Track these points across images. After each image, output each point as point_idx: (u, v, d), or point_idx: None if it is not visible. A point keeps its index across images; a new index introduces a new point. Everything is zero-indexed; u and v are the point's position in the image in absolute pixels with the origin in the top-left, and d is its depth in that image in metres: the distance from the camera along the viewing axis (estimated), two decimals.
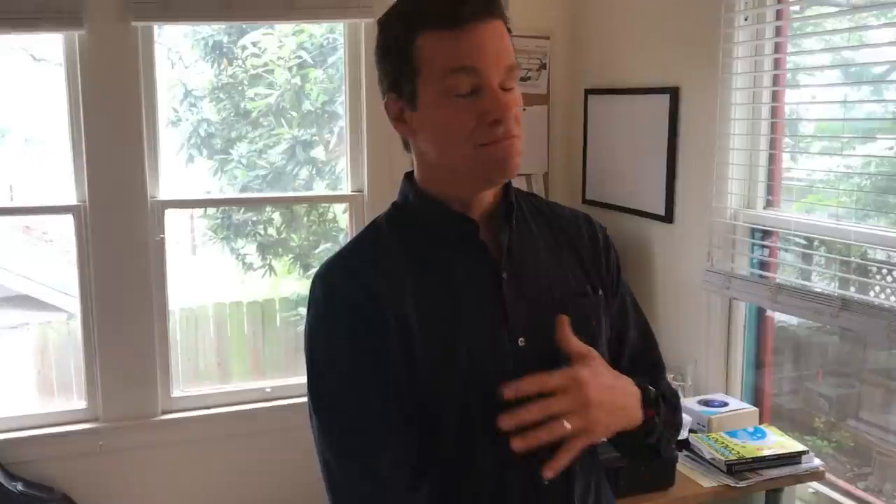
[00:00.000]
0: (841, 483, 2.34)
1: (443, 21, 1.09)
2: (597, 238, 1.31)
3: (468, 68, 1.09)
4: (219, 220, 3.74)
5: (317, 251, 3.65)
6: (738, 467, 2.16)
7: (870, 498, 2.29)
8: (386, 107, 1.18)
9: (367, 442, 1.11)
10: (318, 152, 3.64)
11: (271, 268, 3.69)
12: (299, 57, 3.59)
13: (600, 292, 1.26)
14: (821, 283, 2.35)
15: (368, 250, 1.21)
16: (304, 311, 1.20)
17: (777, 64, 2.46)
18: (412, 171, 1.24)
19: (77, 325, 3.02)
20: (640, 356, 1.32)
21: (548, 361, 1.12)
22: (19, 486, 2.82)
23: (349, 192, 3.25)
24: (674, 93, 2.72)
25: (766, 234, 2.51)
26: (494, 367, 1.13)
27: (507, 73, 1.12)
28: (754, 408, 2.44)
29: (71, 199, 2.94)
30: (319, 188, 3.57)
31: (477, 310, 1.16)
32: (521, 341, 1.16)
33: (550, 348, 1.14)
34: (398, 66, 1.14)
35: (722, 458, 2.17)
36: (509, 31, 1.16)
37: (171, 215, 3.09)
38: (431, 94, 1.12)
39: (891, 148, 2.12)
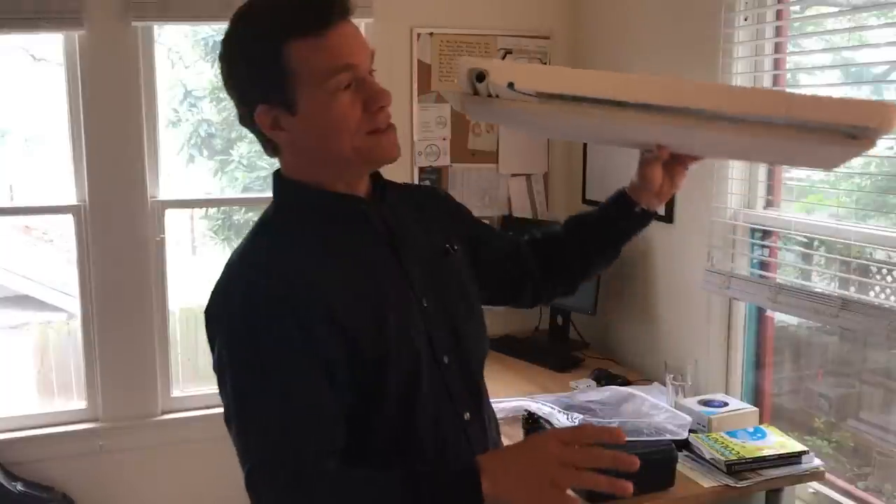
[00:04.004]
0: (841, 483, 2.34)
1: (311, 28, 1.14)
2: (445, 198, 1.52)
3: (348, 66, 1.16)
4: (219, 221, 3.74)
5: None
6: (738, 467, 2.15)
7: (870, 498, 2.29)
8: (257, 118, 1.20)
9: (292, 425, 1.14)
10: None
11: None
12: None
13: (457, 247, 1.41)
14: (821, 283, 2.35)
15: (275, 242, 1.25)
16: None
17: (777, 64, 2.46)
18: (279, 171, 1.29)
19: (77, 325, 3.02)
20: (518, 245, 1.58)
21: (445, 316, 1.30)
22: (19, 486, 2.82)
23: None
24: None
25: (767, 234, 2.50)
26: (413, 330, 1.25)
27: (371, 60, 1.22)
28: (754, 408, 2.43)
29: (71, 199, 2.93)
30: None
31: (387, 280, 1.26)
32: (424, 302, 1.29)
33: (444, 305, 1.31)
34: (269, 75, 1.16)
35: (722, 458, 2.16)
36: None
37: (171, 215, 3.09)
38: (314, 96, 1.16)
39: (891, 148, 2.11)
